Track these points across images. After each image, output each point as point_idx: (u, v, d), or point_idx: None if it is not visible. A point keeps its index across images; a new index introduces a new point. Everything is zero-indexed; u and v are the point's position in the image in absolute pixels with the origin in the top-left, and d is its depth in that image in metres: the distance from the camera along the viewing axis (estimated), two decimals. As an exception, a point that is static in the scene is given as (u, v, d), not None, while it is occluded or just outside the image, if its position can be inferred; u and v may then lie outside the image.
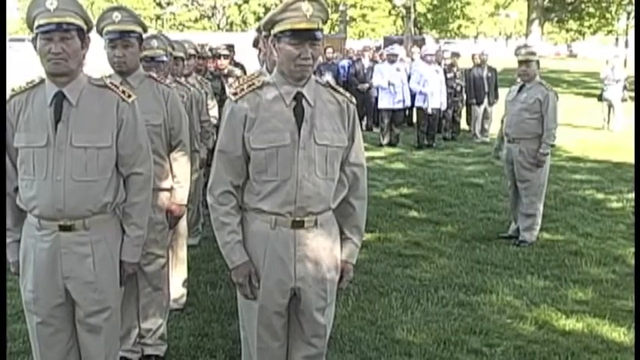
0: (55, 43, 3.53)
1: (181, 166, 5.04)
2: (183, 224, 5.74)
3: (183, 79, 6.90)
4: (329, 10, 3.85)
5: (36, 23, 3.55)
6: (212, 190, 3.65)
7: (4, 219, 3.81)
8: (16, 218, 3.84)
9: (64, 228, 3.68)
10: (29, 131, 3.65)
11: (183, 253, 6.09)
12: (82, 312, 3.82)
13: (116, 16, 4.64)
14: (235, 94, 3.61)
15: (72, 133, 3.63)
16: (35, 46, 3.61)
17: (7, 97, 3.76)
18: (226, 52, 10.25)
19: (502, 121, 8.69)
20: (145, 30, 4.86)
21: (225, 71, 9.86)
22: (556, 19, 45.78)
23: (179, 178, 5.03)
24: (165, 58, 5.75)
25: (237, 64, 11.09)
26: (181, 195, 5.06)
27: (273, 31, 3.53)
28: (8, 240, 3.87)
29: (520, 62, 8.25)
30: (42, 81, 3.73)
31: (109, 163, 3.74)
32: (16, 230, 3.85)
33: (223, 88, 8.97)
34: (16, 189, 3.76)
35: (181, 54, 6.98)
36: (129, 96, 3.84)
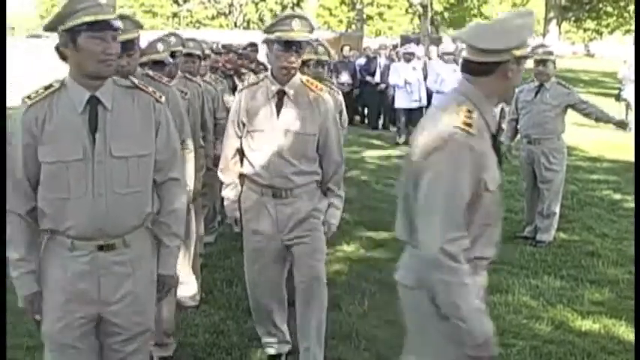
0: (109, 42, 3.21)
1: (185, 165, 4.94)
2: (193, 222, 5.74)
3: (198, 78, 6.91)
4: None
5: (85, 19, 3.14)
6: (451, 248, 2.86)
7: (5, 219, 3.37)
8: (29, 244, 3.36)
9: (102, 247, 3.32)
10: (58, 143, 3.23)
11: (194, 250, 6.09)
12: (120, 337, 3.47)
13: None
14: (468, 124, 2.96)
15: (111, 142, 3.28)
16: (69, 43, 3.21)
17: (24, 104, 3.29)
18: (243, 52, 10.26)
19: (513, 121, 8.61)
20: (141, 27, 4.81)
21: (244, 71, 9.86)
22: (573, 18, 45.58)
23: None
24: (170, 60, 5.79)
25: (259, 64, 11.06)
26: (187, 194, 5.03)
27: None
28: (21, 270, 3.34)
29: (537, 62, 8.21)
30: (62, 84, 3.32)
31: (149, 171, 3.45)
32: (30, 259, 3.36)
33: (235, 87, 8.97)
34: (32, 209, 3.33)
35: (198, 52, 6.99)
36: (160, 96, 3.56)
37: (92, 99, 3.28)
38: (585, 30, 52.66)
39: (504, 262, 7.48)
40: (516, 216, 9.40)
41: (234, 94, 8.25)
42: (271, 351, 5.15)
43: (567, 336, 5.65)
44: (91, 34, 3.16)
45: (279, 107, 4.65)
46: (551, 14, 39.63)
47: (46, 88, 3.32)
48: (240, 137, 4.78)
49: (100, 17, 3.16)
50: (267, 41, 4.59)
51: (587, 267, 7.39)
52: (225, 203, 5.06)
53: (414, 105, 16.09)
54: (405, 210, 3.24)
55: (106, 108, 3.30)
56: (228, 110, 7.87)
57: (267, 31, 4.56)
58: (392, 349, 5.36)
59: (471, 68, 3.14)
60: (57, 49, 3.29)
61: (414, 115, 16.30)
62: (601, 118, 8.38)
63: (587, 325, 5.88)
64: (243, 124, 4.74)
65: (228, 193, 4.96)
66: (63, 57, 3.29)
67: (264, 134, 4.61)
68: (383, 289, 6.56)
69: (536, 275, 7.12)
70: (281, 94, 4.66)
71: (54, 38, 3.36)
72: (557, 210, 8.30)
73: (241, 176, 4.91)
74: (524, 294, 6.56)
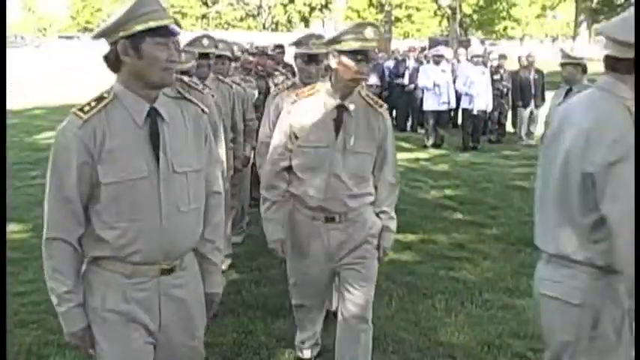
0: (171, 49, 2.95)
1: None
2: None
3: (228, 79, 6.95)
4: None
5: (151, 24, 2.87)
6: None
7: (4, 219, 3.13)
8: (77, 275, 3.06)
9: (165, 271, 3.08)
10: (121, 161, 2.94)
11: None
12: None
13: None
14: None
15: (172, 157, 3.03)
16: (129, 50, 2.90)
17: (78, 119, 2.93)
18: (269, 52, 10.32)
19: (546, 124, 8.59)
20: (179, 26, 4.79)
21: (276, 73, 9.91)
22: (605, 21, 45.32)
23: None
24: (195, 66, 5.89)
25: (286, 65, 11.11)
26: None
27: None
28: (70, 305, 3.01)
29: (561, 65, 8.19)
30: (114, 96, 2.99)
31: (203, 186, 3.21)
32: (77, 291, 3.03)
33: (268, 88, 9.00)
34: (82, 236, 3.03)
35: (227, 53, 7.03)
36: (204, 106, 3.32)
37: (152, 111, 3.01)
38: (616, 33, 52.30)
39: (533, 266, 7.34)
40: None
41: (266, 96, 8.32)
42: (301, 353, 5.12)
43: (597, 341, 5.60)
44: (156, 39, 2.90)
45: (337, 123, 4.22)
46: (582, 17, 39.42)
47: (97, 100, 2.99)
48: (291, 151, 4.34)
49: (165, 22, 2.92)
50: (333, 52, 4.16)
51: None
52: (269, 226, 4.52)
53: (443, 107, 16.04)
54: (563, 221, 3.09)
55: (164, 120, 3.03)
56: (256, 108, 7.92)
57: (334, 41, 4.14)
58: (420, 351, 5.35)
59: (618, 66, 2.96)
60: (107, 57, 2.98)
61: (442, 118, 16.29)
62: None
63: (616, 330, 5.82)
64: (296, 137, 4.29)
65: (272, 215, 4.48)
66: (114, 66, 2.98)
67: (320, 152, 4.23)
68: (411, 291, 6.55)
69: (566, 279, 7.05)
70: (341, 110, 4.22)
71: (84, 39, 3.23)
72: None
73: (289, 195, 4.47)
74: (553, 298, 6.50)
